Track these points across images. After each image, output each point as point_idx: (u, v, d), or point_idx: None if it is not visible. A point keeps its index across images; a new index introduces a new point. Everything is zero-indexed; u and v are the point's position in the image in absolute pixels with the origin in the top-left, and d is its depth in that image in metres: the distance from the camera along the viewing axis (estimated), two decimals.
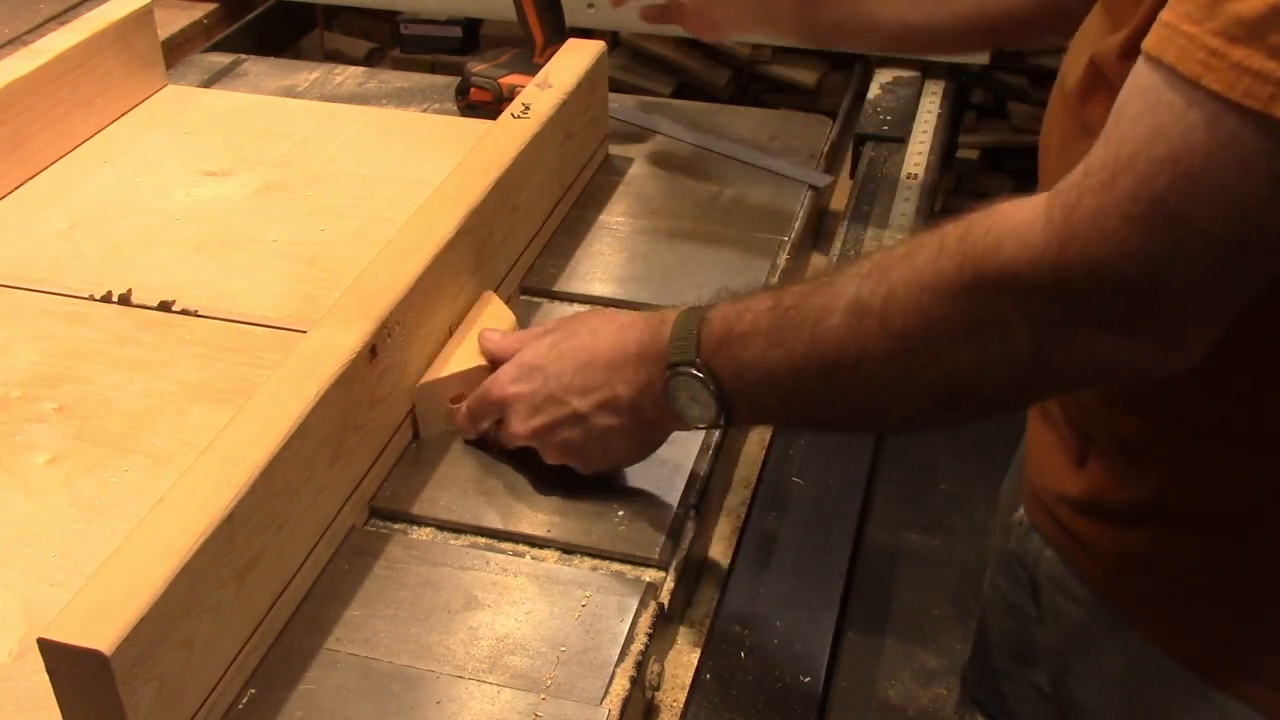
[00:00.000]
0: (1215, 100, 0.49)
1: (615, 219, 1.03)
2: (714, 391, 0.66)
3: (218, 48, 1.40)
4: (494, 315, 0.85)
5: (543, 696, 0.64)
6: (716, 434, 0.81)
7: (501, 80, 1.14)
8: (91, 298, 0.92)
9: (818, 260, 1.09)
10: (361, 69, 1.34)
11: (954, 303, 0.57)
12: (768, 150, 1.13)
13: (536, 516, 0.75)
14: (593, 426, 0.72)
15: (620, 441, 0.73)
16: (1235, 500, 0.68)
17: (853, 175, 1.18)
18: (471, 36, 2.46)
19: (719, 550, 0.80)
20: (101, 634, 0.55)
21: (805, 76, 1.92)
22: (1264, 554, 0.68)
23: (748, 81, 2.02)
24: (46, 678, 0.56)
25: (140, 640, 0.56)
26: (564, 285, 0.96)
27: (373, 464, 0.76)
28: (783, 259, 0.99)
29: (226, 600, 0.62)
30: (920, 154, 1.16)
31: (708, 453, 0.80)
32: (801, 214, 1.05)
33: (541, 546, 0.74)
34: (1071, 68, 0.70)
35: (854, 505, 0.80)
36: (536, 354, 0.74)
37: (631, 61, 2.42)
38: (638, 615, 0.69)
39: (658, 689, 0.70)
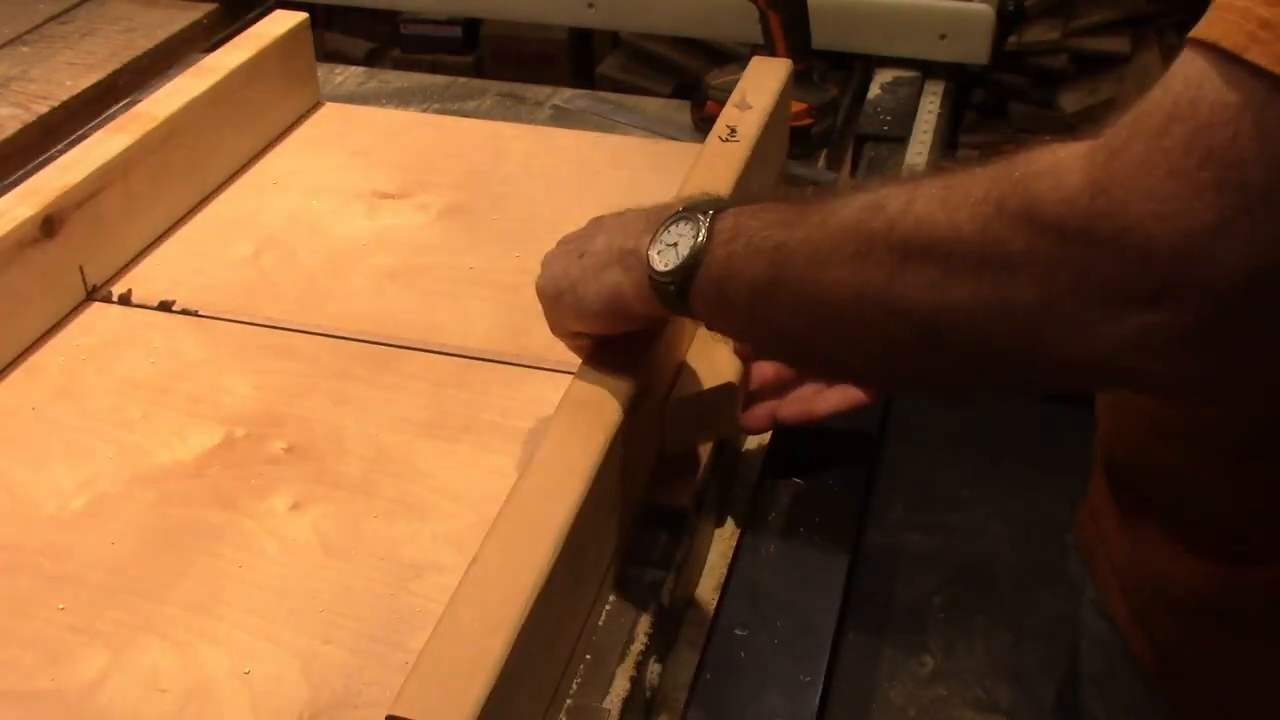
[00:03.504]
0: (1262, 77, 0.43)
1: None
2: (699, 235, 0.60)
3: (217, 48, 1.36)
4: None
5: None
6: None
7: None
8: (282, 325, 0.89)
9: None
10: (361, 69, 1.32)
11: (969, 223, 0.50)
12: None
13: None
14: (570, 264, 0.70)
15: (578, 276, 0.69)
16: None
17: (853, 175, 1.16)
18: (471, 36, 2.44)
19: (718, 551, 0.78)
20: (453, 712, 0.52)
21: None
22: None
23: None
24: None
25: (487, 717, 0.53)
26: None
27: (634, 508, 0.73)
28: None
29: (538, 667, 0.59)
30: (920, 154, 1.14)
31: (708, 453, 0.78)
32: None
33: None
34: None
35: (854, 505, 0.79)
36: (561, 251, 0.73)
37: (631, 61, 2.39)
38: (638, 615, 0.68)
39: (658, 689, 0.68)
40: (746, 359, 0.79)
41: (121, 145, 0.94)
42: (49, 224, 0.87)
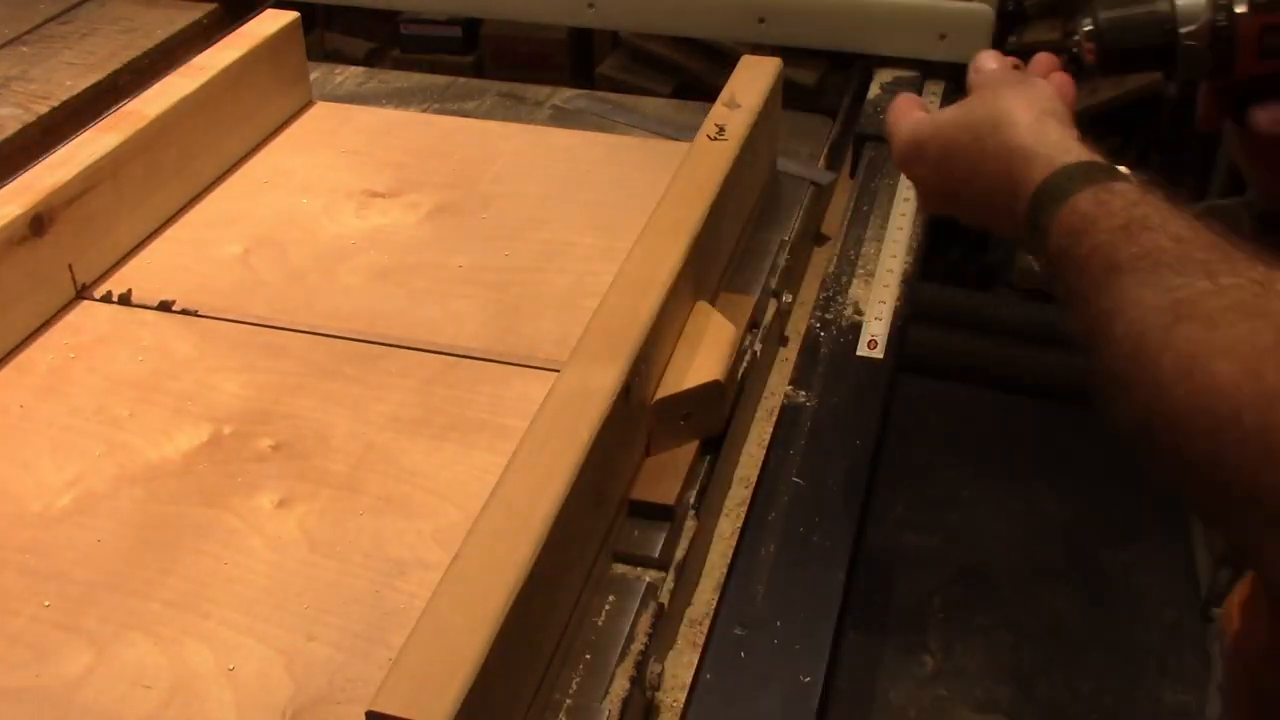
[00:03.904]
0: None
1: None
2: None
3: None
4: (716, 327, 0.82)
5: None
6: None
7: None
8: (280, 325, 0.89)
9: (818, 258, 1.07)
10: (361, 69, 1.32)
11: None
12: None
13: None
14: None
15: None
16: None
17: (853, 175, 1.16)
18: (471, 36, 2.44)
19: (719, 550, 0.78)
20: (433, 708, 0.52)
21: (805, 76, 1.86)
22: None
23: None
24: None
25: (467, 713, 0.53)
26: None
27: (620, 506, 0.73)
28: (783, 259, 0.97)
29: (521, 664, 0.59)
30: None
31: (708, 453, 0.78)
32: (800, 213, 1.04)
33: None
34: None
35: (854, 505, 0.79)
36: (920, 160, 0.73)
37: (631, 61, 2.38)
38: (638, 615, 0.68)
39: (658, 689, 0.69)
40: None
41: (111, 144, 0.94)
42: (38, 222, 0.87)
